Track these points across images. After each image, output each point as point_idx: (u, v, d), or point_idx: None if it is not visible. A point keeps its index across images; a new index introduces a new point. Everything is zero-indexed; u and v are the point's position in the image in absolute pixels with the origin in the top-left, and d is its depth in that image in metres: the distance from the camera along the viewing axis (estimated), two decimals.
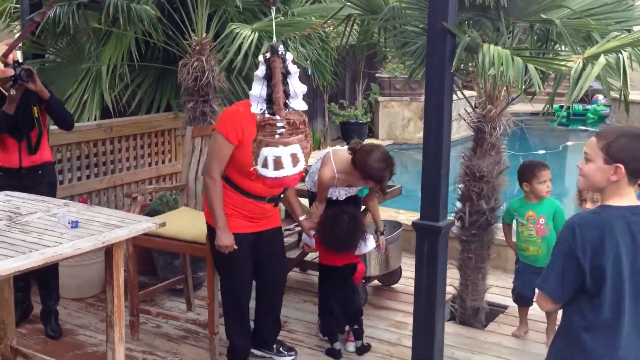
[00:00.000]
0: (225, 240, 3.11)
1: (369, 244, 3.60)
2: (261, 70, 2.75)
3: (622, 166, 2.00)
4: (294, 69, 2.80)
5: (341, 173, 3.58)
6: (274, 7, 3.04)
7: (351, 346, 3.64)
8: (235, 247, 3.13)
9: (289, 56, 2.82)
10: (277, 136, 2.68)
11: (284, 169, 2.66)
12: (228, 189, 3.15)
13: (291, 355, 3.54)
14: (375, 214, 3.97)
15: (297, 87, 2.81)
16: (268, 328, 3.50)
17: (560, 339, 2.17)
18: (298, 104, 2.82)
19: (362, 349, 3.59)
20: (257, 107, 2.75)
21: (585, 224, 2.02)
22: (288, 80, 2.78)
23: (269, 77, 2.73)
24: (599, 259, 1.98)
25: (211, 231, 3.22)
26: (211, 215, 3.14)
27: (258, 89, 2.74)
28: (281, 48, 2.78)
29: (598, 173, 2.05)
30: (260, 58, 2.78)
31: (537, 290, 2.20)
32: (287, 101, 2.77)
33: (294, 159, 2.69)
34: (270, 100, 2.72)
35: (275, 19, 5.02)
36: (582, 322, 2.04)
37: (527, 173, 3.64)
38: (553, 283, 2.07)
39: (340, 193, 3.75)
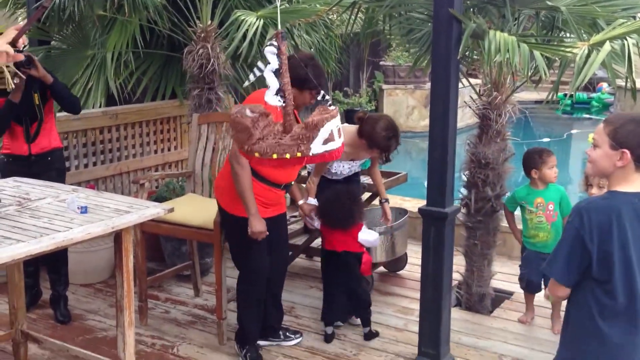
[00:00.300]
0: (259, 226, 3.11)
1: (371, 236, 3.59)
2: (275, 63, 2.73)
3: (627, 151, 2.01)
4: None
5: (346, 145, 3.59)
6: None
7: (356, 321, 3.72)
8: (267, 232, 3.15)
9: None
10: (332, 108, 2.73)
11: (341, 135, 2.75)
12: (254, 180, 3.12)
13: (297, 338, 3.58)
14: (378, 181, 4.03)
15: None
16: (274, 314, 3.54)
17: (573, 327, 2.16)
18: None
19: (370, 335, 3.62)
20: (275, 99, 2.75)
21: (593, 209, 2.03)
22: None
23: (278, 69, 2.74)
24: (607, 244, 1.99)
25: (228, 218, 3.23)
26: (241, 202, 3.11)
27: (275, 82, 2.74)
28: (284, 34, 2.78)
29: (605, 158, 2.06)
30: (272, 50, 2.73)
31: (549, 281, 2.19)
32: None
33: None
34: (279, 89, 2.73)
35: (280, 6, 5.03)
36: (598, 308, 2.05)
37: (536, 160, 3.64)
38: (559, 267, 2.08)
39: (344, 167, 3.77)
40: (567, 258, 2.07)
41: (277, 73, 2.74)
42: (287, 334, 3.58)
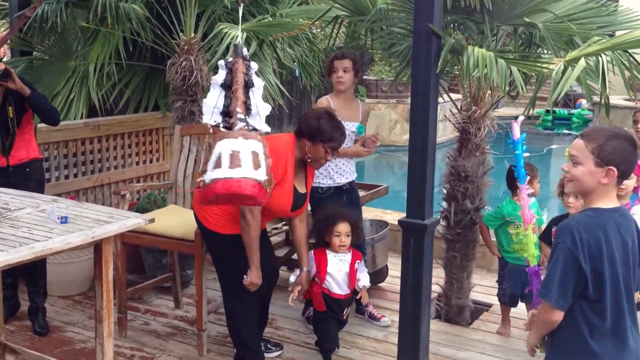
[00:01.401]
0: (258, 279, 3.05)
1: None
2: (220, 76, 2.41)
3: (614, 169, 1.99)
4: (258, 83, 2.49)
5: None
6: (241, 5, 2.95)
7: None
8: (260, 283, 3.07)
9: (254, 65, 2.49)
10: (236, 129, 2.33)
11: (240, 167, 2.30)
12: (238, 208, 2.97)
13: (278, 351, 3.58)
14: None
15: (259, 105, 2.46)
16: (262, 324, 3.49)
17: (561, 347, 2.11)
18: (258, 123, 2.45)
19: None
20: (211, 118, 2.43)
21: (583, 228, 1.98)
22: (251, 92, 2.47)
23: (228, 85, 2.44)
24: (598, 263, 1.97)
25: (214, 238, 3.14)
26: (247, 250, 3.00)
27: (214, 98, 2.40)
28: (246, 52, 2.50)
29: (589, 176, 2.02)
30: (221, 62, 2.47)
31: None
32: (245, 116, 2.40)
33: (255, 158, 2.33)
34: (227, 112, 2.40)
35: (263, 19, 5.09)
36: (588, 328, 2.03)
37: (534, 171, 3.66)
38: (557, 291, 2.00)
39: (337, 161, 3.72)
40: (562, 281, 2.00)
41: (226, 89, 2.42)
42: (269, 345, 3.58)
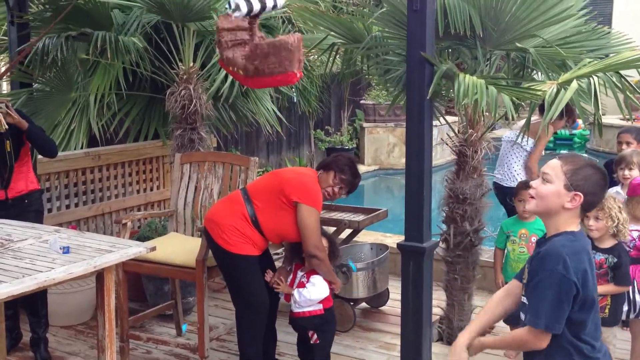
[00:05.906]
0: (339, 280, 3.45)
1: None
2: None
3: (581, 195, 1.99)
4: None
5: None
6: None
7: None
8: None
9: None
10: None
11: None
12: (252, 228, 3.26)
13: None
14: None
15: None
16: (270, 341, 3.57)
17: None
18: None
19: None
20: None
21: (572, 253, 1.97)
22: None
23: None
24: (587, 285, 1.98)
25: (225, 256, 3.28)
26: (329, 276, 3.30)
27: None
28: None
29: (555, 197, 2.01)
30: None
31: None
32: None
33: None
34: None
35: None
36: (577, 350, 2.03)
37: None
38: (551, 318, 1.97)
39: None
40: (557, 307, 1.96)
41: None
42: None
